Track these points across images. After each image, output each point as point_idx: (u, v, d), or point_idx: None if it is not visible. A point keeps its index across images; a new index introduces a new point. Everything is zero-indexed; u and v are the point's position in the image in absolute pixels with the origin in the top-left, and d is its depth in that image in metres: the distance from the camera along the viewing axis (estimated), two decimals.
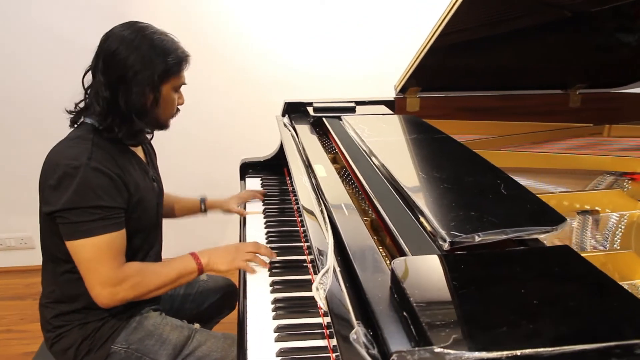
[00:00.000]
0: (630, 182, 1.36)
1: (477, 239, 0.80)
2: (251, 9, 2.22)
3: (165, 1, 2.17)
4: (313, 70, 2.34)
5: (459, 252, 0.79)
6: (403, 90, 1.83)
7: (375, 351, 0.62)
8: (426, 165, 1.16)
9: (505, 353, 0.54)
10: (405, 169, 1.13)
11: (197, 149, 2.43)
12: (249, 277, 1.17)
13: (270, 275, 1.17)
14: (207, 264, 1.15)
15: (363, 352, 0.61)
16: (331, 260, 0.81)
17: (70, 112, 1.15)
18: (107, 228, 1.04)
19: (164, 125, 1.22)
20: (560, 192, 1.18)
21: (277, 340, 0.97)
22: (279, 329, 1.00)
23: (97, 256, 1.03)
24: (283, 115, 1.79)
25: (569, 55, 1.83)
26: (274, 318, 1.03)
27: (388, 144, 1.32)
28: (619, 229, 1.11)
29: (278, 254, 1.23)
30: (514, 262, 0.75)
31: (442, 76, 1.85)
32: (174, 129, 2.30)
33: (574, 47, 1.80)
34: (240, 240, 1.39)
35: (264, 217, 1.49)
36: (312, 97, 1.84)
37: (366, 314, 0.70)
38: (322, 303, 0.74)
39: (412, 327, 0.62)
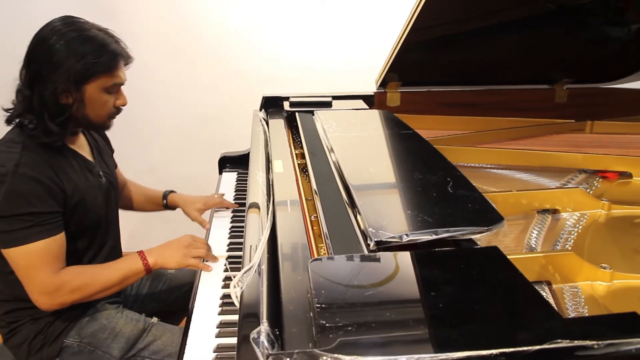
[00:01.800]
0: (600, 180, 1.32)
1: (404, 238, 0.79)
2: (239, 2, 2.21)
3: None
4: (302, 63, 2.32)
5: (381, 252, 0.77)
6: (383, 84, 1.81)
7: (273, 351, 0.62)
8: (380, 163, 1.15)
9: (379, 359, 0.53)
10: (358, 165, 1.12)
11: (183, 144, 2.44)
12: (203, 272, 1.17)
13: (224, 271, 1.17)
14: (154, 263, 1.13)
15: (258, 351, 0.61)
16: (256, 258, 0.81)
17: (6, 111, 1.10)
18: (41, 234, 1.02)
19: (99, 126, 1.18)
20: (518, 190, 1.15)
21: (218, 335, 0.97)
22: (222, 324, 1.00)
23: (33, 263, 1.02)
24: (261, 110, 1.78)
25: (555, 50, 1.78)
26: (219, 314, 1.03)
27: (350, 139, 1.30)
28: (576, 229, 1.08)
29: (238, 249, 1.23)
30: (433, 263, 0.73)
31: (424, 70, 1.82)
32: (160, 122, 2.36)
33: (561, 41, 1.75)
34: (206, 237, 1.38)
35: (232, 213, 1.49)
36: (292, 92, 1.83)
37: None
38: (236, 301, 0.74)
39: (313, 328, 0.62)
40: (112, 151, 1.42)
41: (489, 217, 0.85)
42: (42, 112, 1.05)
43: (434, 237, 0.80)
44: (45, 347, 1.14)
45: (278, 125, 1.58)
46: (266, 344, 0.62)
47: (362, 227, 0.85)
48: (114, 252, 1.29)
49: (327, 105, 1.70)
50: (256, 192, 1.08)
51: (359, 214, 0.88)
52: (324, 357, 0.53)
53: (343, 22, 2.27)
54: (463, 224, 0.83)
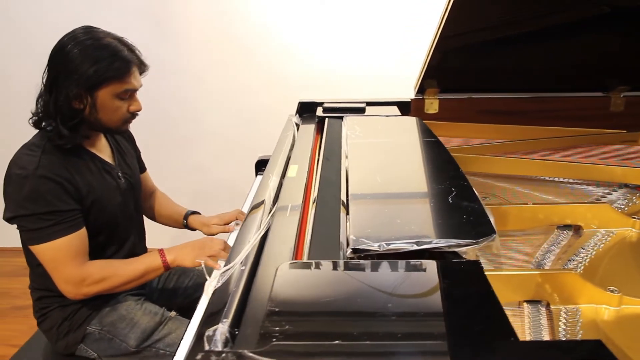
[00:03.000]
0: None
1: (382, 248, 0.78)
2: (281, 7, 2.26)
3: (198, 3, 2.28)
4: (344, 70, 2.33)
5: (353, 261, 0.77)
6: (421, 91, 1.77)
7: (226, 349, 0.63)
8: (390, 170, 1.13)
9: None
10: (367, 172, 1.11)
11: (225, 146, 2.52)
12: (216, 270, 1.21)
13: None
14: (173, 260, 1.18)
15: (206, 346, 0.63)
16: (238, 258, 0.83)
17: (34, 115, 1.16)
18: (63, 232, 1.09)
19: (113, 130, 1.23)
20: (535, 203, 1.09)
21: None
22: None
23: (58, 258, 1.10)
24: (297, 115, 1.81)
25: (610, 55, 1.66)
26: None
27: (369, 146, 1.29)
28: (596, 248, 1.00)
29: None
30: (399, 275, 0.71)
31: (464, 77, 1.77)
32: (204, 124, 2.46)
33: (616, 46, 1.63)
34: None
35: None
36: (331, 97, 1.85)
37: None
38: (205, 298, 0.76)
39: None
40: (138, 152, 1.49)
41: (479, 230, 0.82)
42: (56, 115, 1.11)
43: (415, 247, 0.78)
44: (70, 333, 1.23)
45: (308, 130, 1.60)
46: (219, 342, 0.64)
47: (346, 234, 0.84)
48: (138, 249, 1.36)
49: (360, 111, 1.70)
50: (262, 195, 1.10)
51: (348, 221, 0.88)
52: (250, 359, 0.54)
53: (389, 28, 2.25)
54: (449, 236, 0.80)
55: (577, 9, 1.51)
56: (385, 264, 0.74)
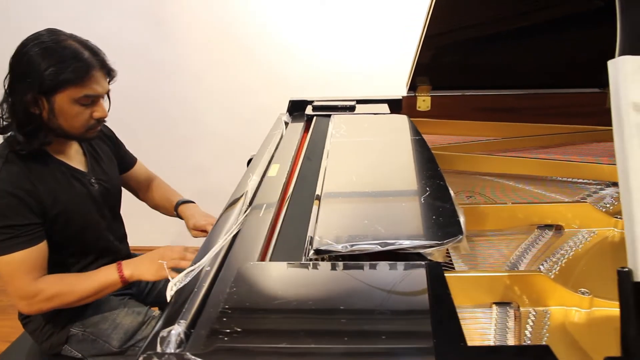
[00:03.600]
0: None
1: (345, 249, 0.77)
2: (281, 7, 2.25)
3: (198, 3, 2.28)
4: (342, 69, 2.32)
5: (312, 262, 0.76)
6: (413, 88, 1.76)
7: (177, 350, 0.63)
8: (367, 170, 1.12)
9: None
10: (343, 171, 1.11)
11: (225, 145, 2.53)
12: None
13: None
14: (130, 275, 1.14)
15: (159, 348, 0.63)
16: (204, 259, 0.83)
17: None
18: (18, 246, 1.05)
19: (76, 137, 1.17)
20: (514, 203, 1.07)
21: None
22: None
23: (11, 272, 1.06)
24: (289, 113, 1.80)
25: (605, 50, 1.62)
26: None
27: (351, 144, 1.29)
28: (574, 248, 0.98)
29: None
30: (357, 277, 0.71)
31: (457, 73, 1.75)
32: (203, 124, 2.46)
33: (610, 40, 1.59)
34: None
35: None
36: (326, 96, 1.84)
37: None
38: (168, 299, 0.76)
39: None
40: (121, 148, 1.45)
41: (446, 231, 0.81)
42: (13, 120, 1.07)
43: (378, 249, 0.77)
44: (54, 335, 1.24)
45: (296, 128, 1.59)
46: (173, 343, 0.64)
47: (311, 234, 0.84)
48: (120, 255, 1.33)
49: (350, 109, 1.69)
50: (239, 194, 1.10)
51: (316, 221, 0.87)
52: None
53: (389, 28, 2.23)
54: (415, 237, 0.80)
55: (569, 3, 1.48)
56: (342, 266, 0.73)
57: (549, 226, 1.06)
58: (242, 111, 2.46)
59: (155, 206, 1.53)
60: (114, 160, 1.39)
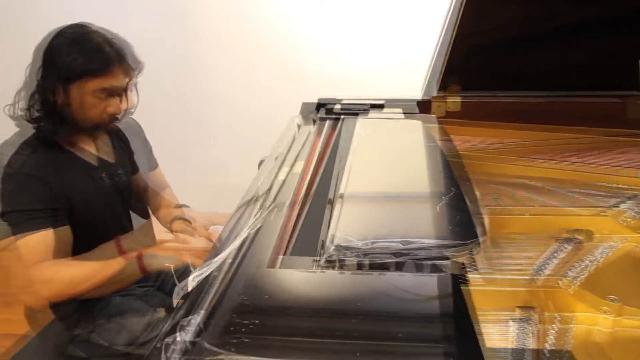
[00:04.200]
0: None
1: (364, 245, 0.77)
2: (301, 5, 2.26)
3: (217, 1, 2.31)
4: (364, 67, 2.31)
5: (330, 270, 0.76)
6: (442, 88, 1.73)
7: (195, 339, 0.64)
8: (386, 173, 1.11)
9: None
10: (363, 173, 1.09)
11: (244, 142, 2.53)
12: None
13: None
14: (149, 263, 1.12)
15: (179, 337, 0.64)
16: (221, 257, 0.83)
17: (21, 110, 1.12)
18: (38, 226, 1.07)
19: (88, 130, 1.18)
20: (541, 206, 1.05)
21: None
22: None
23: (33, 252, 1.07)
24: (304, 115, 1.80)
25: None
26: None
27: (374, 146, 1.28)
28: (600, 259, 0.95)
29: None
30: (371, 286, 0.70)
31: (488, 75, 1.71)
32: (223, 120, 2.48)
33: None
34: None
35: None
36: (349, 95, 1.83)
37: None
38: (176, 297, 0.77)
39: None
40: (131, 154, 1.45)
41: (469, 232, 0.79)
42: (39, 109, 1.09)
43: (400, 247, 0.77)
44: (60, 334, 1.26)
45: (309, 130, 1.59)
46: (192, 332, 0.65)
47: (329, 234, 0.83)
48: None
49: (378, 109, 1.68)
50: (250, 195, 1.10)
51: (337, 219, 0.87)
52: (205, 349, 0.54)
53: (414, 25, 2.21)
54: (437, 237, 0.79)
55: (606, 3, 1.44)
56: (357, 274, 0.73)
57: (577, 232, 1.03)
58: (261, 109, 2.47)
59: (156, 215, 1.51)
60: (126, 157, 1.39)
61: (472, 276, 0.78)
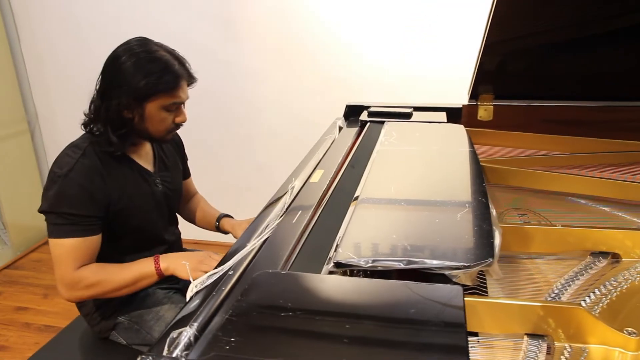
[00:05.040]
0: None
1: (365, 264, 0.75)
2: (347, 9, 2.25)
3: (261, 3, 2.32)
4: (407, 72, 2.27)
5: (330, 276, 0.75)
6: (474, 96, 1.68)
7: (184, 353, 0.64)
8: (408, 180, 1.09)
9: None
10: (383, 180, 1.08)
11: (286, 146, 2.55)
12: None
13: None
14: (166, 268, 1.17)
15: (166, 349, 0.64)
16: (228, 264, 0.84)
17: (86, 115, 1.21)
18: (74, 233, 1.13)
19: (157, 140, 1.26)
20: (564, 225, 0.99)
21: None
22: None
23: (61, 255, 1.13)
24: (344, 118, 1.79)
25: None
26: None
27: (399, 153, 1.25)
28: (629, 281, 0.89)
29: None
30: (370, 294, 0.68)
31: (523, 82, 1.65)
32: (266, 124, 2.51)
33: None
34: None
35: None
36: (382, 101, 1.82)
37: None
38: (187, 299, 0.78)
39: None
40: (185, 159, 1.53)
41: (477, 253, 0.76)
42: (106, 123, 1.16)
43: (401, 266, 0.74)
44: (102, 321, 1.31)
45: (348, 134, 1.58)
46: (181, 345, 0.65)
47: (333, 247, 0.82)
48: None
49: (407, 116, 1.65)
50: (275, 198, 1.11)
51: (344, 232, 0.86)
52: None
53: (456, 30, 2.15)
54: (442, 257, 0.76)
55: None
56: (361, 282, 0.71)
57: (603, 254, 0.97)
58: (304, 112, 2.48)
59: (193, 218, 1.60)
60: (179, 166, 1.46)
61: (477, 300, 0.75)
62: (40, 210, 1.16)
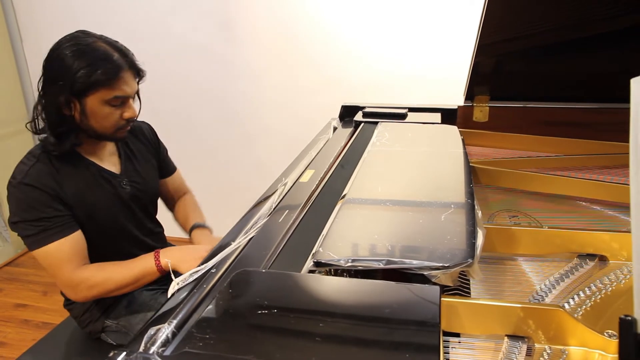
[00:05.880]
0: None
1: (344, 263, 0.75)
2: (345, 10, 2.25)
3: (260, 5, 2.33)
4: (404, 72, 2.27)
5: (310, 274, 0.75)
6: (470, 97, 1.68)
7: (160, 349, 0.65)
8: (397, 180, 1.09)
9: None
10: (370, 181, 1.08)
11: (285, 144, 2.55)
12: None
13: None
14: (166, 263, 1.14)
15: (142, 346, 0.64)
16: (210, 263, 0.84)
17: (29, 121, 1.15)
18: (52, 237, 1.09)
19: (107, 137, 1.18)
20: (550, 227, 0.99)
21: None
22: None
23: (52, 262, 1.10)
24: (339, 118, 1.79)
25: None
26: None
27: (389, 154, 1.25)
28: (615, 283, 0.88)
29: None
30: (346, 293, 0.68)
31: (518, 83, 1.65)
32: (265, 123, 2.51)
33: None
34: None
35: None
36: (378, 101, 1.82)
37: None
38: (169, 296, 0.78)
39: None
40: (163, 152, 1.45)
41: (457, 254, 0.76)
42: (45, 122, 1.11)
43: (381, 266, 0.74)
44: (91, 324, 1.31)
45: (342, 134, 1.58)
46: (159, 341, 0.66)
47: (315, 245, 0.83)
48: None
49: (401, 117, 1.65)
50: (264, 198, 1.11)
51: (326, 232, 0.86)
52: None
53: (452, 31, 2.15)
54: (422, 257, 0.76)
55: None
56: (339, 282, 0.71)
57: (590, 256, 0.96)
58: (302, 111, 2.48)
59: (177, 220, 1.53)
60: (152, 161, 1.39)
61: (458, 300, 0.75)
62: (10, 223, 1.12)
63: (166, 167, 1.48)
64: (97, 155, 1.23)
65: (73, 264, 1.13)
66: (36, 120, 1.14)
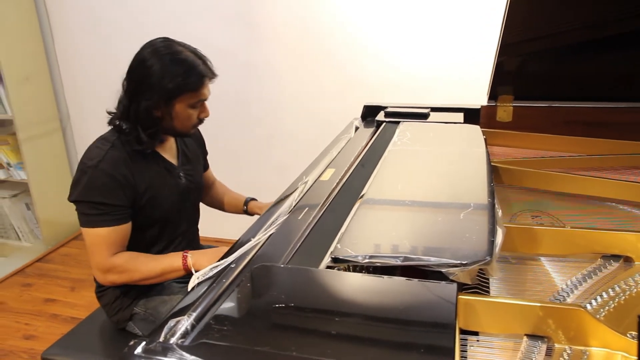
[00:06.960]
0: None
1: (362, 259, 0.76)
2: (366, 11, 2.25)
3: (281, 6, 2.35)
4: (425, 73, 2.25)
5: (327, 270, 0.75)
6: (493, 97, 1.66)
7: (179, 340, 0.66)
8: (417, 179, 1.08)
9: None
10: (390, 179, 1.08)
11: (306, 146, 2.56)
12: None
13: None
14: (193, 264, 1.20)
15: (162, 336, 0.66)
16: (231, 258, 0.86)
17: (109, 113, 1.27)
18: (106, 222, 1.18)
19: (184, 135, 1.35)
20: (573, 227, 0.97)
21: None
22: None
23: (95, 244, 1.19)
24: (361, 118, 1.80)
25: None
26: None
27: (410, 153, 1.25)
28: (637, 287, 0.86)
29: None
30: (364, 289, 0.69)
31: (543, 83, 1.62)
32: (287, 125, 2.53)
33: None
34: None
35: None
36: (399, 102, 1.81)
37: None
38: (189, 289, 0.80)
39: None
40: (205, 153, 1.59)
41: (475, 252, 0.75)
42: (136, 122, 1.22)
43: (398, 263, 0.75)
44: (121, 311, 1.35)
45: (364, 134, 1.58)
46: (178, 333, 0.67)
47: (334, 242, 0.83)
48: (191, 245, 1.45)
49: (424, 117, 1.64)
50: (285, 195, 1.12)
51: (345, 229, 0.87)
52: (174, 352, 0.56)
53: (475, 31, 2.13)
54: (440, 255, 0.75)
55: None
56: (355, 277, 0.72)
57: (615, 257, 0.94)
58: (324, 113, 2.48)
59: (219, 204, 1.66)
60: (200, 160, 1.52)
61: (476, 299, 0.74)
62: (72, 200, 1.21)
63: (205, 164, 1.60)
64: (162, 148, 1.34)
65: (112, 250, 1.21)
66: (122, 119, 1.23)
